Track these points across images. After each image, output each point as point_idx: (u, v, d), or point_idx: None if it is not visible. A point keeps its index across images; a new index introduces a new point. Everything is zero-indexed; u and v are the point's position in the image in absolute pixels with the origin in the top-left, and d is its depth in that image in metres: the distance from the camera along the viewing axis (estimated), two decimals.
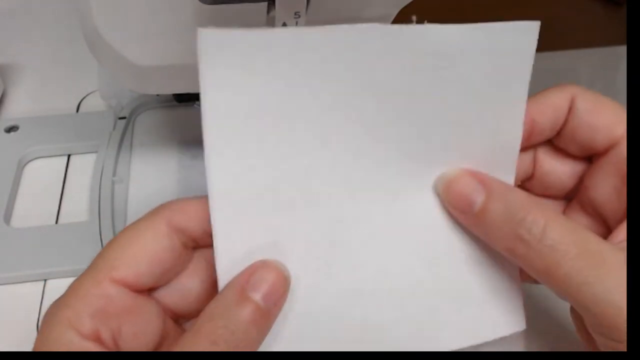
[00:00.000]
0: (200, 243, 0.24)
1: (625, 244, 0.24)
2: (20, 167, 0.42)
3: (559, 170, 0.28)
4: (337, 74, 0.22)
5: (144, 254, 0.22)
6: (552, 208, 0.24)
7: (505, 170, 0.26)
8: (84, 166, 0.42)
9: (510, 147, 0.25)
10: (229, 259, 0.22)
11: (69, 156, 0.43)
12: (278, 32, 0.21)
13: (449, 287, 0.26)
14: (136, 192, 0.40)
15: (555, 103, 0.26)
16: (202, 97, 0.21)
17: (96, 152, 0.42)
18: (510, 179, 0.26)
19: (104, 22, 0.28)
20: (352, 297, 0.25)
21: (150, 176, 0.41)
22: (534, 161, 0.28)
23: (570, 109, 0.26)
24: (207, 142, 0.22)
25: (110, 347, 0.22)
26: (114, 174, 0.40)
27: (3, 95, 0.48)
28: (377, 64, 0.22)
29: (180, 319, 0.25)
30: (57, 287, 0.35)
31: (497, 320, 0.27)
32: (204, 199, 0.23)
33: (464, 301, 0.26)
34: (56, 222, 0.38)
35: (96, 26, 0.28)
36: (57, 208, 0.39)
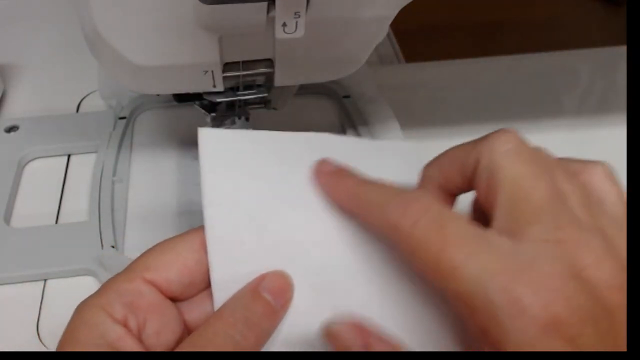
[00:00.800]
0: None
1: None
2: (20, 167, 0.42)
3: None
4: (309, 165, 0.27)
5: (176, 262, 0.25)
6: None
7: None
8: (84, 166, 0.42)
9: None
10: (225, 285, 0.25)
11: (69, 156, 0.43)
12: (259, 134, 0.28)
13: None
14: (136, 192, 0.40)
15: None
16: (202, 177, 0.26)
17: (96, 152, 0.42)
18: None
19: (104, 22, 0.28)
20: None
21: (150, 176, 0.41)
22: None
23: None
24: (207, 214, 0.25)
25: (135, 335, 0.23)
26: (114, 174, 0.40)
27: (3, 95, 0.48)
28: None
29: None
30: (57, 287, 0.35)
31: None
32: None
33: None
34: (56, 222, 0.38)
35: (96, 26, 0.28)
36: (57, 208, 0.39)
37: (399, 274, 0.27)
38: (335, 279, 0.26)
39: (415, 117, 0.46)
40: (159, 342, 0.24)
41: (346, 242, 0.27)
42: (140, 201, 0.39)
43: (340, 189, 0.26)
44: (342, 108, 0.46)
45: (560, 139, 0.46)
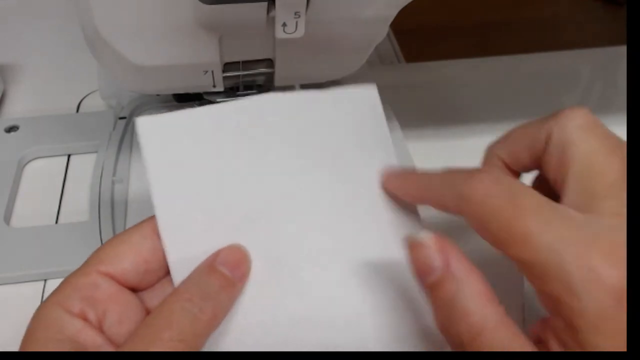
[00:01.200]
0: None
1: None
2: (20, 167, 0.42)
3: None
4: (252, 133, 0.28)
5: (129, 252, 0.25)
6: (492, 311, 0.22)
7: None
8: (84, 166, 0.42)
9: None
10: (181, 262, 0.25)
11: (69, 156, 0.43)
12: (198, 111, 0.28)
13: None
14: (136, 192, 0.40)
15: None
16: (146, 165, 0.27)
17: (96, 152, 0.42)
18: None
19: (104, 22, 0.28)
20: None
21: None
22: None
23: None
24: (154, 193, 0.26)
25: (95, 327, 0.23)
26: (114, 174, 0.40)
27: (3, 95, 0.48)
28: (273, 126, 0.28)
29: None
30: None
31: None
32: None
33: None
34: (56, 222, 0.38)
35: (96, 26, 0.28)
36: (57, 208, 0.39)
37: (355, 242, 0.27)
38: (289, 250, 0.26)
39: (415, 117, 0.46)
40: (121, 331, 0.24)
41: (297, 209, 0.27)
42: (140, 201, 0.39)
43: (409, 185, 0.27)
44: None
45: None
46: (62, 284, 0.24)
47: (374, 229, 0.28)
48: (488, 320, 0.21)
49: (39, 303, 0.33)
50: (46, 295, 0.34)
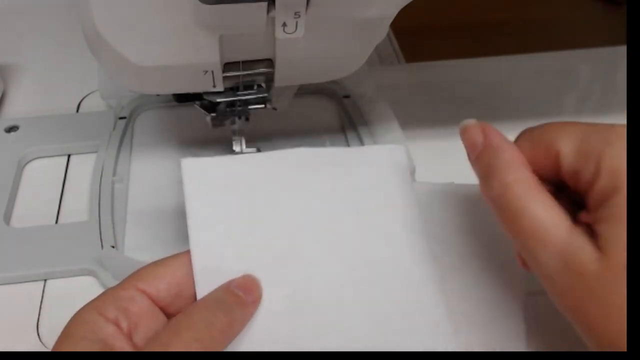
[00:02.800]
0: None
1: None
2: (20, 167, 0.42)
3: None
4: (286, 183, 0.31)
5: (166, 274, 0.28)
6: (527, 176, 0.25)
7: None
8: (84, 166, 0.42)
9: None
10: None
11: (69, 156, 0.43)
12: (238, 158, 0.32)
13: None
14: (136, 192, 0.40)
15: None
16: (186, 204, 0.30)
17: (96, 152, 0.42)
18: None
19: (104, 22, 0.28)
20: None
21: (150, 176, 0.41)
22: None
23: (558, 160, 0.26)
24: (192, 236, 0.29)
25: (126, 335, 0.26)
26: (114, 174, 0.40)
27: (3, 95, 0.48)
28: (305, 178, 0.31)
29: None
30: (57, 287, 0.35)
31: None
32: None
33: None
34: (56, 222, 0.38)
35: (96, 26, 0.29)
36: (57, 208, 0.39)
37: (377, 293, 0.29)
38: (310, 295, 0.28)
39: (415, 117, 0.46)
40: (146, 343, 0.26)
41: (322, 255, 0.29)
42: (140, 201, 0.39)
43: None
44: (342, 108, 0.46)
45: None
46: (102, 293, 0.27)
47: (391, 279, 0.29)
48: (517, 178, 0.25)
49: (39, 303, 0.34)
50: (46, 295, 0.34)
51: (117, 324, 0.26)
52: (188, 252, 0.28)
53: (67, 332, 0.25)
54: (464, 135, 0.28)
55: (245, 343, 0.27)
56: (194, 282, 0.28)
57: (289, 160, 0.32)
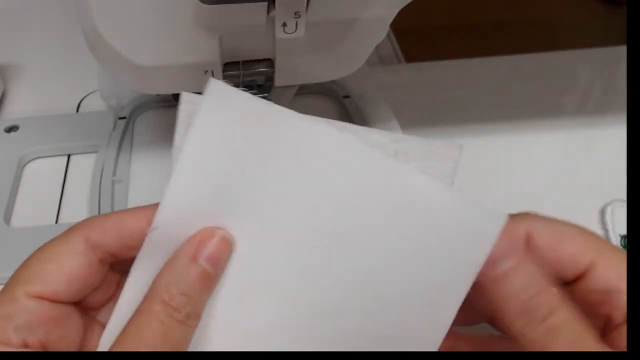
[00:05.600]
0: (118, 257, 0.25)
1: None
2: (20, 167, 0.42)
3: None
4: (314, 165, 0.24)
5: (61, 271, 0.23)
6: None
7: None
8: (84, 166, 0.42)
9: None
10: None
11: (69, 156, 0.43)
12: (273, 108, 0.24)
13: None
14: (136, 192, 0.40)
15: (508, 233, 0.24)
16: (191, 129, 0.25)
17: (96, 152, 0.42)
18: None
19: (104, 22, 0.28)
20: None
21: (150, 176, 0.41)
22: None
23: (529, 245, 0.25)
24: (177, 169, 0.25)
25: (40, 348, 0.23)
26: (114, 174, 0.40)
27: (3, 95, 0.48)
28: (351, 179, 0.24)
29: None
30: None
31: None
32: (120, 214, 0.25)
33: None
34: (56, 222, 0.38)
35: (96, 26, 0.28)
36: (57, 208, 0.39)
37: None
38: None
39: (415, 117, 0.46)
40: (66, 346, 0.24)
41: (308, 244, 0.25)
42: (140, 201, 0.39)
43: None
44: (342, 108, 0.46)
45: (560, 139, 0.46)
46: None
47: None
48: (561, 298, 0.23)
49: None
50: None
51: (26, 346, 0.22)
52: (76, 232, 0.24)
53: None
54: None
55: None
56: (97, 270, 0.24)
57: (330, 141, 0.24)
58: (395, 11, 0.30)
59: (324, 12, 0.28)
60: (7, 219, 0.38)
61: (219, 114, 0.24)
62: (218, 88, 0.24)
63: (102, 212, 0.37)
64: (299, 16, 0.27)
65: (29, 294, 0.23)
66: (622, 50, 0.54)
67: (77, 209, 0.39)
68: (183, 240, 0.24)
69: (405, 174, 0.24)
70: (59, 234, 0.25)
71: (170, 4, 0.27)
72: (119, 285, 0.26)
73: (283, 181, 0.24)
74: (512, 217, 0.24)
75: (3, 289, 0.23)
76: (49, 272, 0.23)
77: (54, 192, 0.40)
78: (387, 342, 0.25)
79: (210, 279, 0.24)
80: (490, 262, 0.23)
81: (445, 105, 0.48)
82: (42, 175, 0.42)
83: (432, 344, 0.25)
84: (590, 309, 0.24)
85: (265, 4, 0.26)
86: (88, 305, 0.26)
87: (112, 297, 0.26)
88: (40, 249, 0.24)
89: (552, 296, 0.23)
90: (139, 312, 0.23)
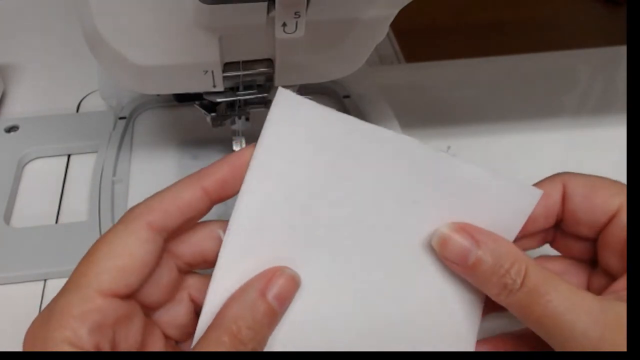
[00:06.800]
0: (180, 232, 0.26)
1: (620, 293, 0.25)
2: (20, 167, 0.42)
3: (575, 249, 0.29)
4: (377, 168, 0.27)
5: (134, 264, 0.23)
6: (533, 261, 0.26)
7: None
8: (84, 166, 0.42)
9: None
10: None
11: (69, 156, 0.43)
12: (341, 118, 0.26)
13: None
14: (136, 192, 0.40)
15: (546, 194, 0.27)
16: (261, 139, 0.26)
17: (96, 152, 0.42)
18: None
19: (104, 22, 0.28)
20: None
21: (150, 176, 0.41)
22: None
23: (564, 198, 0.28)
24: (248, 181, 0.25)
25: (110, 349, 0.23)
26: (114, 174, 0.40)
27: (3, 95, 0.48)
28: (407, 174, 0.27)
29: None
30: (57, 287, 0.34)
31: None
32: (174, 190, 0.25)
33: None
34: (56, 222, 0.38)
35: (96, 26, 0.28)
36: (57, 208, 0.39)
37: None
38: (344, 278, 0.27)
39: (415, 117, 0.46)
40: (129, 344, 0.24)
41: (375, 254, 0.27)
42: (140, 201, 0.39)
43: None
44: (342, 108, 0.46)
45: (560, 139, 0.46)
46: (59, 312, 0.22)
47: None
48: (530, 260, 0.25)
49: (39, 303, 0.34)
50: (46, 295, 0.34)
51: (98, 349, 0.22)
52: (136, 217, 0.24)
53: None
54: (444, 246, 0.26)
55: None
56: (150, 263, 0.24)
57: (394, 145, 0.27)
58: (395, 11, 0.30)
59: (324, 12, 0.28)
60: (7, 219, 0.38)
61: (288, 126, 0.25)
62: (286, 97, 0.25)
63: (102, 212, 0.37)
64: (299, 16, 0.27)
65: (103, 292, 0.22)
66: (622, 50, 0.54)
67: (77, 209, 0.39)
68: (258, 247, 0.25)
69: (456, 165, 0.27)
70: (116, 223, 0.24)
71: (170, 4, 0.27)
72: (178, 286, 0.26)
73: (352, 195, 0.26)
74: (549, 178, 0.28)
75: (71, 287, 0.23)
76: (122, 267, 0.23)
77: (54, 192, 0.40)
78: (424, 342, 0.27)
79: (275, 317, 0.24)
80: (459, 258, 0.26)
81: (445, 105, 0.48)
82: (42, 175, 0.42)
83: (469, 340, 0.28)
84: (622, 248, 0.26)
85: (265, 4, 0.26)
86: (148, 304, 0.25)
87: (171, 298, 0.26)
88: (104, 242, 0.24)
89: (523, 261, 0.25)
90: (207, 340, 0.23)
